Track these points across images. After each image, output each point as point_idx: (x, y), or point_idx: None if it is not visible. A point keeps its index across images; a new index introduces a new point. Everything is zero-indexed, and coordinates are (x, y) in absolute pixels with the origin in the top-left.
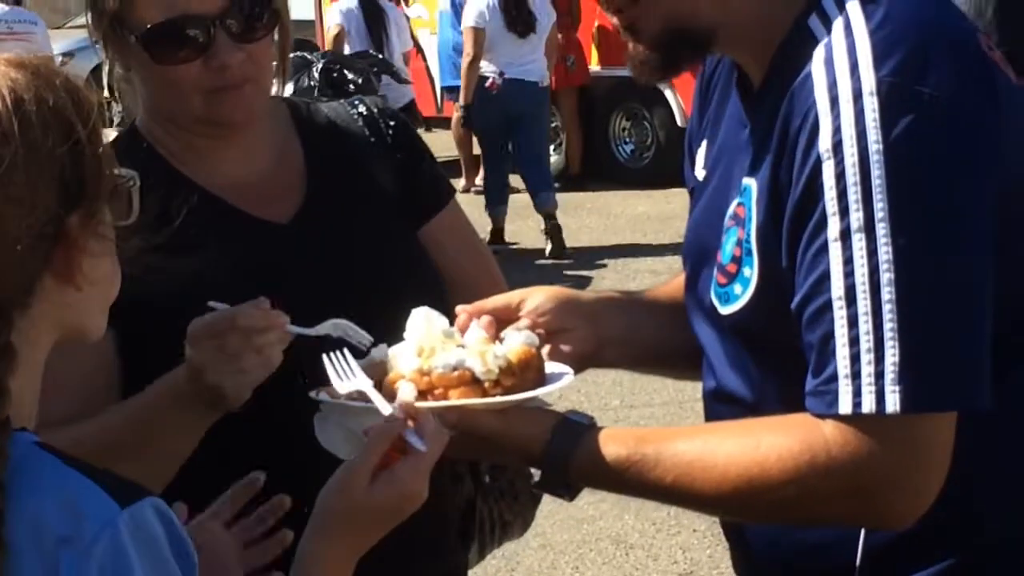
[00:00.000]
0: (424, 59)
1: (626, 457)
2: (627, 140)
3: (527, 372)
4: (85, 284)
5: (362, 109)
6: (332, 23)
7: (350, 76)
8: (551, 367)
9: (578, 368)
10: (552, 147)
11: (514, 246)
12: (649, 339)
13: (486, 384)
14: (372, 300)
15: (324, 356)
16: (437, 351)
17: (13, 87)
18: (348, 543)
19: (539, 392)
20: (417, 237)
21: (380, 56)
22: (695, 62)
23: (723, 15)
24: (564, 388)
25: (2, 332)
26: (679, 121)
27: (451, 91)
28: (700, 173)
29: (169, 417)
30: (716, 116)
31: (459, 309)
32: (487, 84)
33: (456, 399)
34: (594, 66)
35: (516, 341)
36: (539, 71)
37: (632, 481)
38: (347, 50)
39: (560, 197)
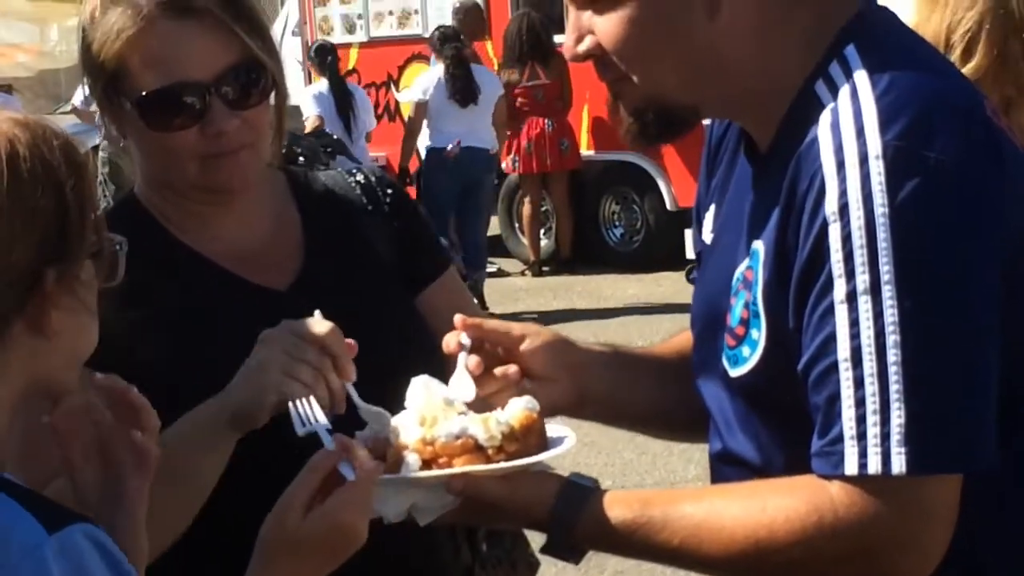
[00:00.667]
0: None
1: (632, 520)
2: (617, 224)
3: (529, 437)
4: (54, 335)
5: (360, 178)
6: (310, 112)
7: (298, 150)
8: (552, 430)
9: (550, 414)
10: (542, 231)
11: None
12: (628, 400)
13: (489, 451)
14: (370, 366)
15: (290, 403)
16: (440, 420)
17: (11, 140)
18: (286, 573)
19: (542, 457)
20: (415, 304)
21: (336, 137)
22: (680, 134)
23: (702, 93)
24: (567, 451)
25: None
26: (669, 205)
27: None
28: (708, 237)
29: (207, 439)
30: (724, 181)
31: (457, 319)
32: (447, 152)
33: (461, 467)
34: (585, 150)
35: (517, 407)
36: (490, 139)
37: (639, 544)
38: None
39: (550, 280)
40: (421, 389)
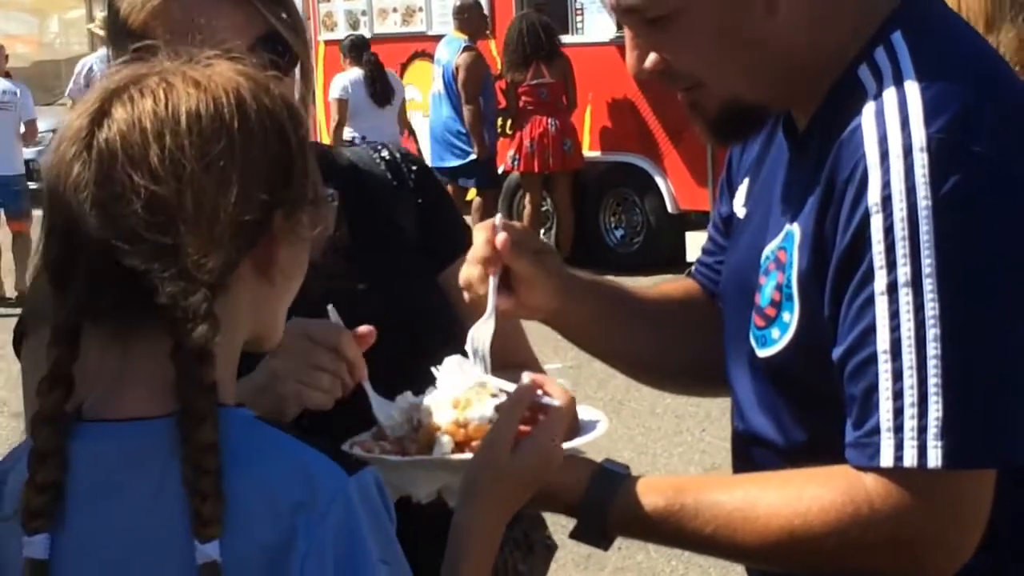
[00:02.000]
0: (415, 141)
1: (664, 507)
2: (617, 225)
3: None
4: (279, 278)
5: (385, 154)
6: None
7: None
8: (584, 413)
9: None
10: (543, 231)
11: None
12: (600, 333)
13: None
14: (392, 344)
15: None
16: (473, 402)
17: (238, 89)
18: (497, 511)
19: (575, 443)
20: (437, 281)
21: None
22: (756, 131)
23: (771, 91)
24: (599, 437)
25: (209, 301)
26: (670, 208)
27: (442, 172)
28: (741, 211)
29: None
30: (760, 156)
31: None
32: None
33: None
34: (587, 150)
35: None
36: (395, 137)
37: (671, 531)
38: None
39: None
40: (455, 369)
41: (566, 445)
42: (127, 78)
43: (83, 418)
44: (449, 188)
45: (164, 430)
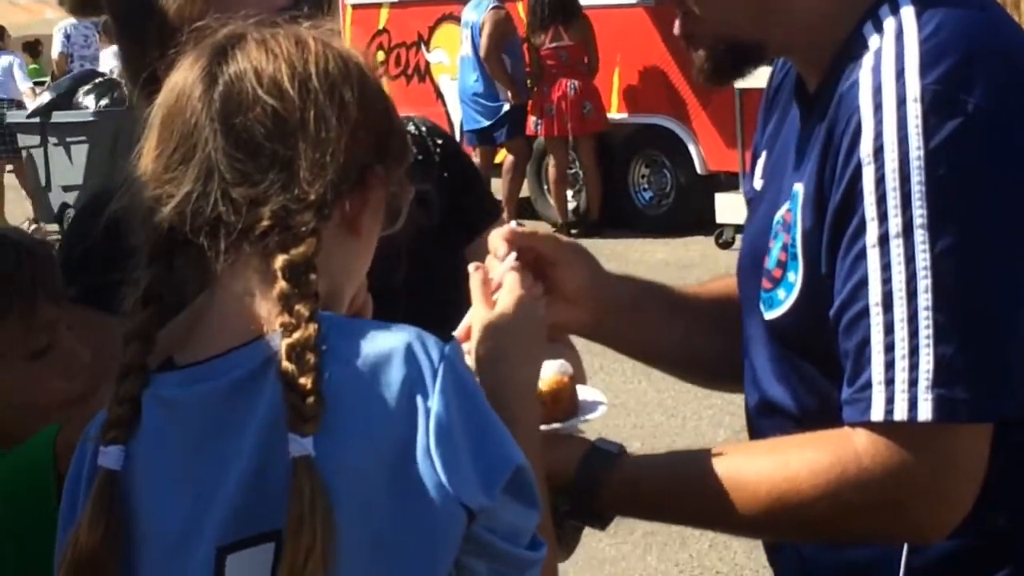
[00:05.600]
0: (444, 104)
1: (657, 483)
2: (646, 187)
3: (559, 402)
4: (364, 231)
5: (411, 128)
6: None
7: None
8: (585, 393)
9: (559, 333)
10: (571, 193)
11: None
12: (643, 341)
13: None
14: (416, 318)
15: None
16: None
17: (360, 66)
18: (514, 360)
19: (572, 423)
20: (463, 255)
21: None
22: (749, 70)
23: (768, 31)
24: (597, 418)
25: (314, 221)
26: (699, 169)
27: (472, 135)
28: (758, 184)
29: None
30: (777, 127)
31: (506, 230)
32: None
33: None
34: (615, 112)
35: (549, 371)
36: None
37: (664, 507)
38: None
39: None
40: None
41: (564, 424)
42: (245, 29)
43: (175, 365)
44: (480, 153)
45: (260, 350)
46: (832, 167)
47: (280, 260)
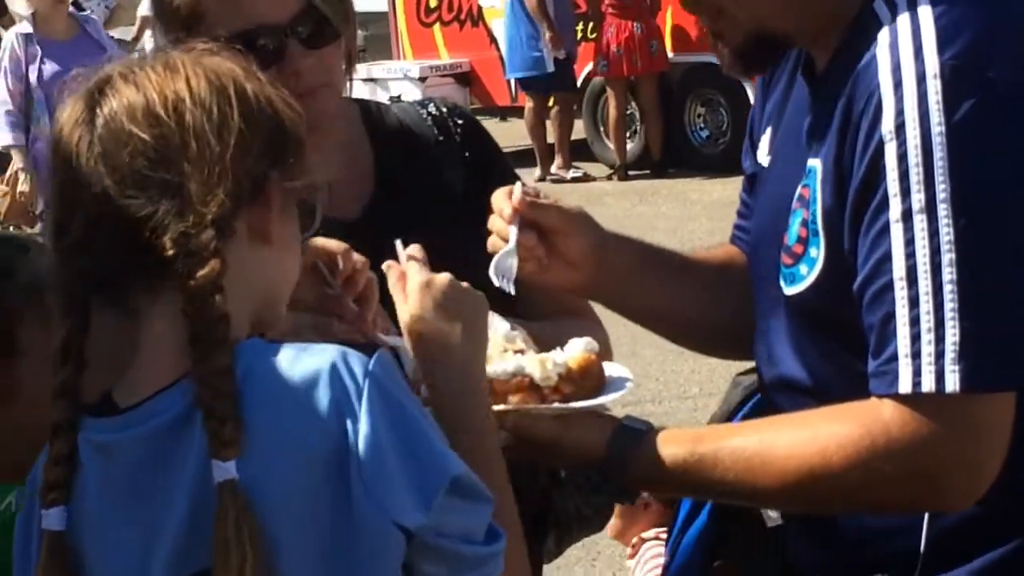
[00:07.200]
0: (497, 49)
1: (684, 459)
2: (702, 126)
3: (587, 379)
4: (275, 240)
5: (432, 109)
6: None
7: None
8: (612, 369)
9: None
10: (628, 134)
11: None
12: (639, 306)
13: (545, 390)
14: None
15: (391, 338)
16: (495, 358)
17: (233, 69)
18: (448, 347)
19: (600, 400)
20: (485, 234)
21: None
22: (776, 61)
23: (796, 20)
24: (624, 395)
25: (215, 239)
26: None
27: (521, 82)
28: (765, 160)
29: None
30: (781, 103)
31: (517, 194)
32: None
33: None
34: (669, 53)
35: (577, 348)
36: None
37: (692, 482)
38: None
39: (636, 184)
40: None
41: (592, 402)
42: (112, 70)
43: (116, 406)
44: (530, 98)
45: (187, 387)
46: (852, 145)
47: (188, 287)
